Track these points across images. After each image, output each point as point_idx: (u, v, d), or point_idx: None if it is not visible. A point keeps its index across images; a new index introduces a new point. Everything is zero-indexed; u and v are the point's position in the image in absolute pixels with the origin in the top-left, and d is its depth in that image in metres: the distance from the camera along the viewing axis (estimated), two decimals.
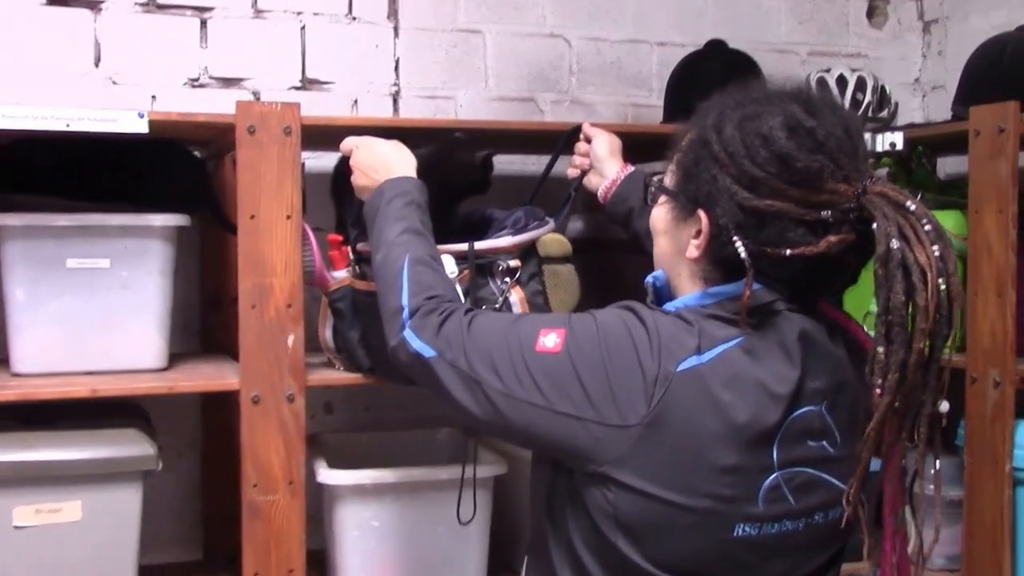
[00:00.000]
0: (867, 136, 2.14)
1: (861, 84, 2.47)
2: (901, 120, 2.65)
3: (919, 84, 2.93)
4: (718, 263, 1.30)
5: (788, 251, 1.23)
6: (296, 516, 1.82)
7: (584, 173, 1.99)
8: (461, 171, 1.86)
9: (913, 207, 1.20)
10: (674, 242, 1.36)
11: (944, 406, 1.21)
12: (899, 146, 2.15)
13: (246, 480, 1.79)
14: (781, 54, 2.81)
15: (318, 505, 2.08)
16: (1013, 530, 1.99)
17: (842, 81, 2.47)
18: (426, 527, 2.00)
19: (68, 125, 1.70)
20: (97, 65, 2.27)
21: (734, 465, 1.22)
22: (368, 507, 1.97)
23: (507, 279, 1.79)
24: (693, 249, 1.31)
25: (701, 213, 1.29)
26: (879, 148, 2.16)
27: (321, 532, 2.12)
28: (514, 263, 1.79)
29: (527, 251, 1.83)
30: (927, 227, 1.19)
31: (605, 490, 1.25)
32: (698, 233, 1.30)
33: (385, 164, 1.68)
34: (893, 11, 2.93)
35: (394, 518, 1.98)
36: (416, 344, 1.42)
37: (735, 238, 1.25)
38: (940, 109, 2.73)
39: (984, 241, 1.97)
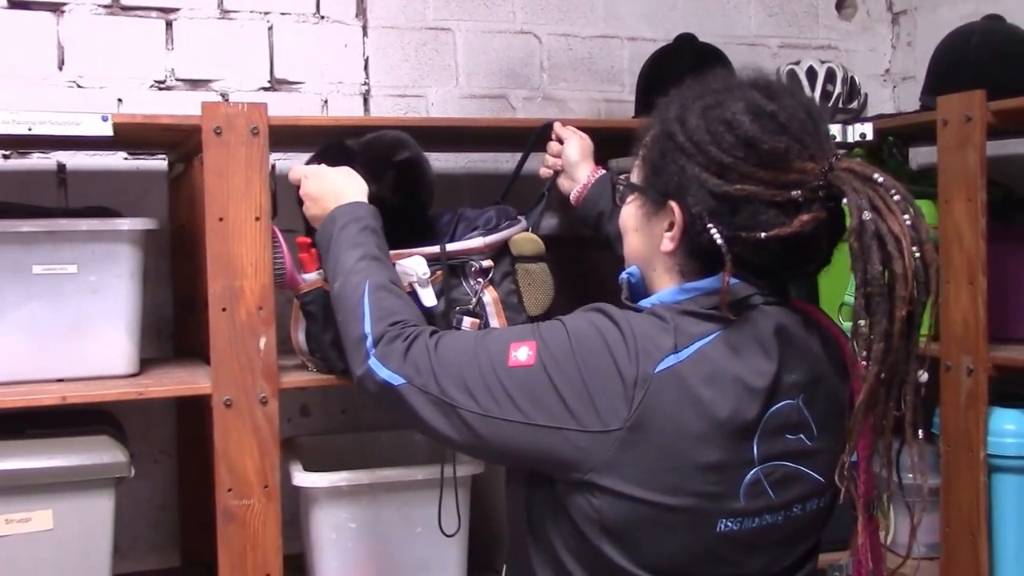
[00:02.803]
0: (837, 127, 2.15)
1: (831, 76, 2.47)
2: (872, 111, 2.65)
3: (889, 75, 2.94)
4: (693, 254, 1.29)
5: (762, 234, 1.22)
6: (272, 520, 1.80)
7: (557, 174, 1.98)
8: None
9: (881, 179, 1.21)
10: (647, 238, 1.35)
11: (923, 376, 1.21)
12: (869, 137, 2.15)
13: (220, 485, 1.78)
14: (751, 47, 2.82)
15: (295, 509, 2.06)
16: (989, 517, 2.00)
17: (812, 73, 2.48)
18: (404, 528, 1.99)
19: (31, 128, 1.67)
20: (61, 68, 2.24)
21: (717, 462, 1.22)
22: (345, 509, 1.96)
23: (480, 279, 1.78)
24: (667, 242, 1.30)
25: (673, 205, 1.28)
26: (849, 139, 2.16)
27: (298, 537, 2.11)
28: (487, 263, 1.79)
29: (500, 251, 1.82)
30: (896, 197, 1.19)
31: (590, 497, 1.24)
32: (671, 225, 1.29)
33: (335, 191, 1.66)
34: (862, 3, 2.94)
35: (372, 520, 1.97)
36: (383, 373, 1.39)
37: (709, 225, 1.24)
38: (910, 100, 2.74)
39: (955, 229, 1.97)
